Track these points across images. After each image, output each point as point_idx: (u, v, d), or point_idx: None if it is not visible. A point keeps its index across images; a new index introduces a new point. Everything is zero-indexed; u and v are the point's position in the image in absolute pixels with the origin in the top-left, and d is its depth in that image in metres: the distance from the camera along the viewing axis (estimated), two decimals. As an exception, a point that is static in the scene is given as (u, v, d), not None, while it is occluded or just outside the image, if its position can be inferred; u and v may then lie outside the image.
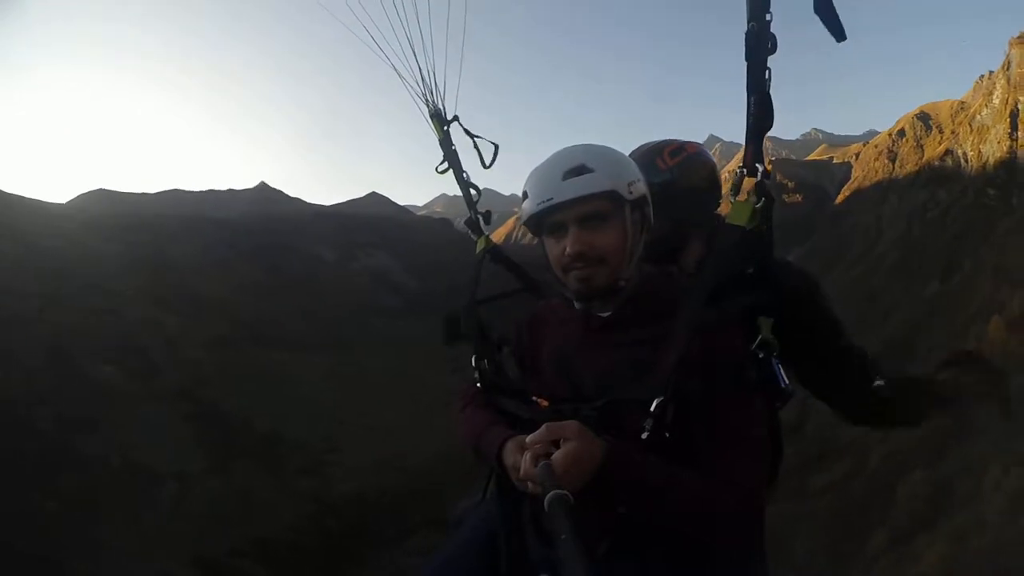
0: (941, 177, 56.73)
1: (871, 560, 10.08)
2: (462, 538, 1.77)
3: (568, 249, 1.54)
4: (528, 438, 1.37)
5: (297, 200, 77.94)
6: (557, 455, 1.30)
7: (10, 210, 36.75)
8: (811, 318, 1.88)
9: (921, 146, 72.06)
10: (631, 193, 1.56)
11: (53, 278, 31.04)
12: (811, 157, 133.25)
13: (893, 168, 74.36)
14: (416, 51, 2.34)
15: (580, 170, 1.53)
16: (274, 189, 79.72)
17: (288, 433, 31.50)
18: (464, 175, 2.37)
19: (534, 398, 1.66)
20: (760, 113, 1.57)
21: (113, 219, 45.08)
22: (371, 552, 23.48)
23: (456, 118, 2.42)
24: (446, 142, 2.41)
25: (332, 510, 27.89)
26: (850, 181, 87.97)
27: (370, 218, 74.82)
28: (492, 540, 1.68)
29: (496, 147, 2.38)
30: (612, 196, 1.53)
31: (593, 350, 1.63)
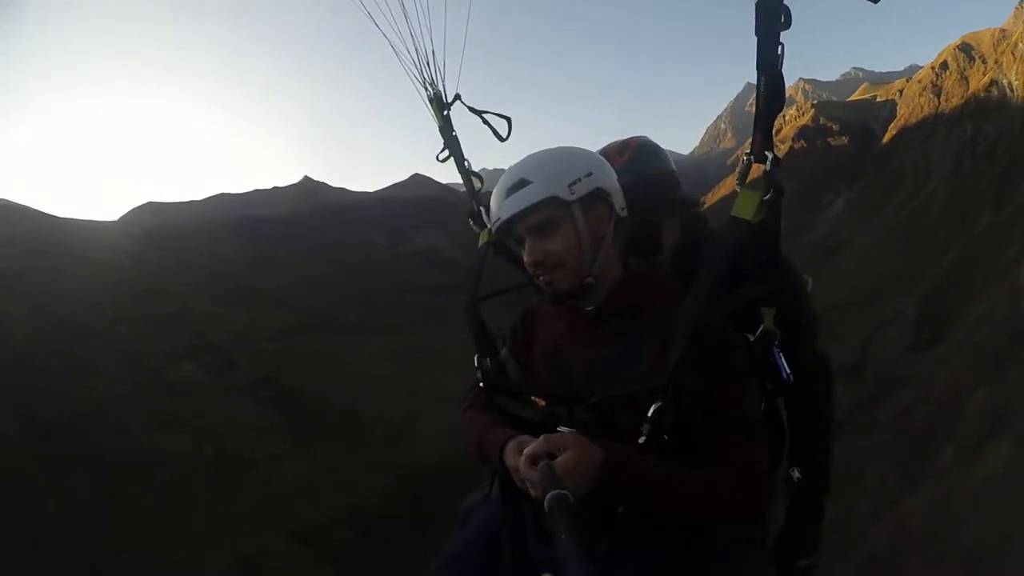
0: (987, 109, 53.84)
1: (941, 473, 10.07)
2: (465, 536, 1.81)
3: (526, 259, 1.67)
4: (526, 450, 1.38)
5: (341, 190, 78.00)
6: (556, 462, 1.30)
7: (67, 234, 37.61)
8: (797, 317, 1.78)
9: (965, 78, 67.84)
10: (573, 193, 1.61)
11: (118, 290, 31.85)
12: (853, 97, 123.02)
13: (939, 103, 69.66)
14: (413, 33, 2.24)
15: (520, 184, 1.62)
16: (317, 182, 79.68)
17: (364, 411, 31.57)
18: (466, 163, 2.38)
19: (532, 398, 1.72)
20: (771, 95, 1.47)
21: (165, 229, 46.00)
22: (453, 506, 23.04)
23: (458, 96, 2.37)
24: (446, 128, 2.39)
25: (416, 476, 27.72)
26: (896, 119, 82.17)
27: (416, 199, 74.76)
28: (495, 539, 1.74)
29: (508, 120, 2.28)
30: (553, 202, 1.60)
31: (581, 345, 1.72)
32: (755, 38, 1.43)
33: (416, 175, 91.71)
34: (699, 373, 1.47)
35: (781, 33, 1.44)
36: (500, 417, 1.79)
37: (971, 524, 7.68)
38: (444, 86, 2.40)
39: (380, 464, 27.91)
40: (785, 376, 1.62)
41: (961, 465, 9.75)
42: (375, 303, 50.23)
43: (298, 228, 57.07)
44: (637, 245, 1.87)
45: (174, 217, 54.83)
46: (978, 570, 6.94)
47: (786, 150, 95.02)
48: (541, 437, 1.40)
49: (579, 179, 1.61)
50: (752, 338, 1.56)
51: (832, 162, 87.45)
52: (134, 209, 68.09)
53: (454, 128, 2.41)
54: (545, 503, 1.17)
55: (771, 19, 1.44)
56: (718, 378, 1.51)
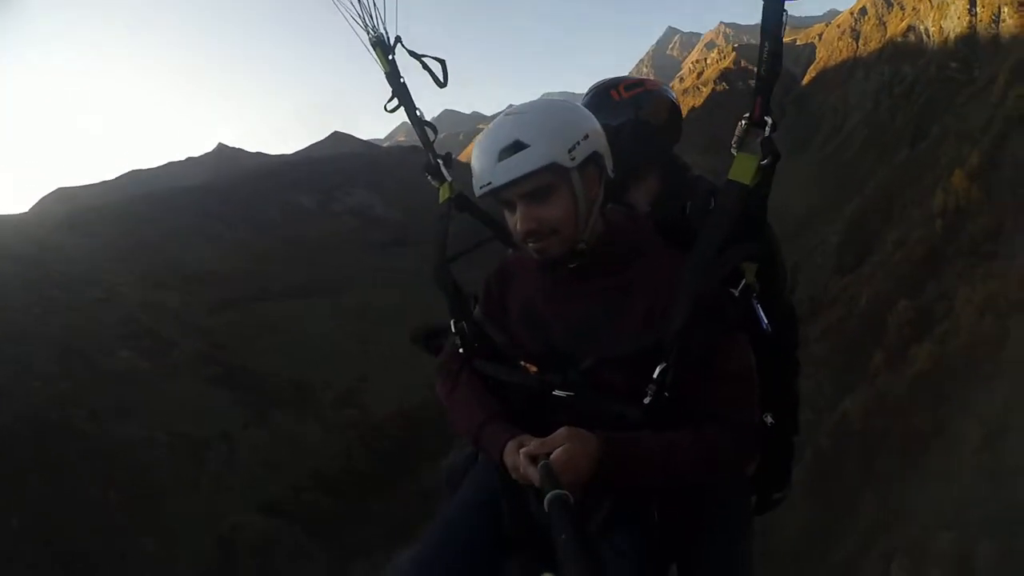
0: (904, 53, 56.57)
1: (872, 376, 10.74)
2: (464, 500, 1.71)
3: (519, 227, 1.48)
4: (522, 450, 1.34)
5: (259, 154, 75.11)
6: (554, 455, 1.27)
7: None
8: (774, 270, 1.81)
9: (884, 23, 70.31)
10: (573, 159, 1.45)
11: (43, 284, 30.17)
12: None
13: (857, 47, 72.72)
14: None
15: (514, 147, 1.43)
16: (233, 148, 76.51)
17: (314, 376, 31.48)
18: (418, 112, 2.11)
19: (522, 363, 1.59)
20: (773, 60, 1.41)
21: (82, 214, 43.57)
22: (422, 463, 23.41)
23: (399, 40, 2.13)
24: (393, 75, 2.13)
25: (374, 434, 28.47)
26: (815, 62, 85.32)
27: (339, 158, 72.85)
28: (494, 502, 1.61)
29: (443, 63, 2.12)
30: (552, 168, 1.43)
31: (562, 302, 1.58)
32: (760, 2, 1.43)
33: (336, 133, 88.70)
34: (698, 332, 1.43)
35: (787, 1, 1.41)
36: (488, 397, 1.69)
37: (903, 416, 8.47)
38: (386, 28, 2.16)
39: (337, 426, 28.61)
40: (764, 326, 1.61)
41: (890, 368, 10.45)
42: (311, 266, 49.45)
43: (220, 197, 54.94)
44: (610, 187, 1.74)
45: (88, 200, 51.63)
46: (914, 457, 7.60)
47: (708, 93, 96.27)
48: (539, 441, 1.36)
49: (578, 143, 1.48)
50: (736, 292, 1.53)
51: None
52: (44, 197, 63.87)
53: (401, 74, 2.17)
54: (545, 504, 1.13)
55: None
56: (716, 336, 1.47)
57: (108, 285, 32.85)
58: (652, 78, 2.22)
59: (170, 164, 73.32)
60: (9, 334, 25.03)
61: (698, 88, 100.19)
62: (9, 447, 19.90)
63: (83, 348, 26.67)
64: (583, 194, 1.49)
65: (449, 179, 2.06)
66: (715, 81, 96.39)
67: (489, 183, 1.47)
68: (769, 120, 1.47)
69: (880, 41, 66.01)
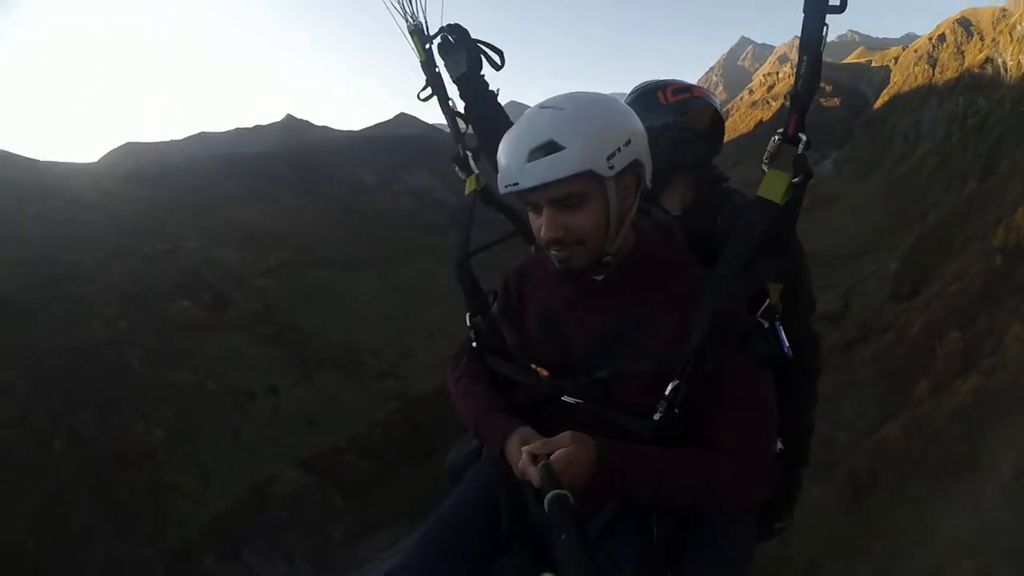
0: (980, 85, 55.36)
1: (915, 404, 10.56)
2: (463, 495, 1.67)
3: (543, 233, 1.41)
4: (525, 448, 1.31)
5: (325, 128, 75.93)
6: (554, 456, 1.25)
7: (52, 177, 36.54)
8: (799, 293, 1.76)
9: (961, 52, 69.84)
10: (612, 168, 1.35)
11: (109, 231, 30.88)
12: (848, 60, 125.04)
13: (933, 74, 71.39)
14: None
15: (548, 147, 1.33)
16: (300, 120, 77.62)
17: (362, 343, 31.53)
18: (450, 103, 2.10)
19: (533, 366, 1.56)
20: (811, 76, 1.36)
21: (150, 168, 44.77)
22: (455, 441, 23.63)
23: (445, 30, 2.08)
24: (429, 64, 2.12)
25: (414, 407, 28.33)
26: (889, 86, 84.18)
27: (404, 139, 73.37)
28: (492, 500, 1.59)
29: (501, 53, 2.06)
30: (587, 176, 1.34)
31: (584, 313, 1.52)
32: (801, 14, 1.33)
33: (402, 114, 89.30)
34: (717, 355, 1.36)
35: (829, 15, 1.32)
36: (495, 389, 1.67)
37: (941, 445, 8.36)
38: (426, 17, 2.09)
39: (380, 395, 28.60)
40: (785, 349, 1.48)
41: (934, 397, 10.22)
42: (368, 240, 49.36)
43: (285, 165, 55.49)
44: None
45: (156, 157, 53.17)
46: (945, 483, 7.51)
47: (777, 107, 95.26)
48: (542, 441, 1.32)
49: (619, 149, 1.36)
50: (760, 313, 1.44)
51: (823, 122, 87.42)
52: (113, 151, 66.20)
53: (438, 64, 2.12)
54: (545, 504, 1.11)
55: (822, 0, 1.32)
56: (736, 363, 1.39)
57: (171, 238, 33.61)
58: (699, 85, 2.19)
59: (238, 130, 74.72)
60: (72, 273, 25.71)
61: (767, 102, 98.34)
62: (62, 377, 20.46)
63: (143, 294, 27.25)
64: (616, 205, 1.40)
65: (476, 171, 2.01)
66: (785, 96, 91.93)
67: (516, 183, 1.37)
68: (803, 137, 1.40)
69: (957, 70, 64.53)
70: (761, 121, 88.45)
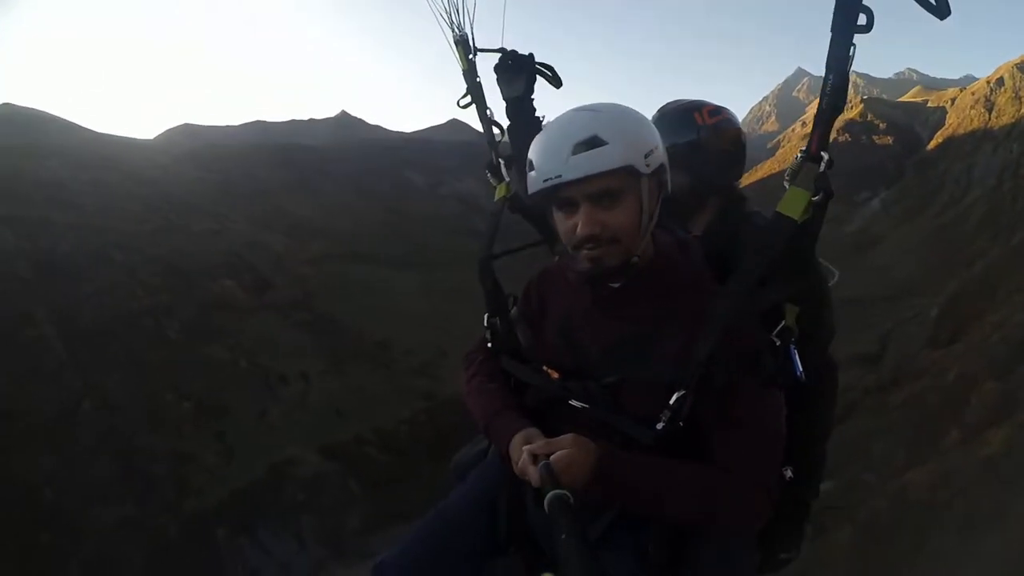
0: None
1: (944, 452, 10.24)
2: (465, 494, 1.70)
3: (579, 230, 1.41)
4: (526, 447, 1.34)
5: (378, 127, 77.23)
6: (554, 457, 1.27)
7: (109, 149, 37.55)
8: (819, 317, 1.72)
9: (1019, 97, 68.53)
10: (648, 165, 1.40)
11: (160, 205, 31.53)
12: (904, 98, 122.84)
13: (989, 118, 70.00)
14: None
15: (592, 142, 1.37)
16: (354, 117, 79.38)
17: (396, 340, 31.45)
18: (488, 112, 2.17)
19: (544, 368, 1.59)
20: (836, 95, 1.37)
21: (204, 150, 45.86)
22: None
23: (507, 54, 2.19)
24: (471, 74, 2.18)
25: (441, 408, 28.04)
26: (943, 127, 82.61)
27: (454, 144, 74.35)
28: (493, 500, 1.62)
29: (552, 69, 2.20)
30: (627, 172, 1.38)
31: (600, 321, 1.54)
32: (829, 33, 1.33)
33: (454, 120, 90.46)
34: (727, 371, 1.33)
35: (857, 35, 1.31)
36: (507, 389, 1.66)
37: (967, 497, 7.85)
38: (472, 29, 2.17)
39: (409, 393, 28.53)
40: (798, 374, 1.42)
41: (964, 447, 9.84)
42: (412, 240, 49.92)
43: (337, 160, 56.05)
44: (671, 208, 1.66)
45: (212, 139, 54.68)
46: (968, 536, 7.12)
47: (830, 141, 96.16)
48: (545, 441, 1.32)
49: (653, 150, 1.39)
50: (774, 334, 1.40)
51: (874, 160, 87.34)
52: (170, 130, 68.55)
53: (479, 74, 2.18)
54: (545, 504, 1.11)
55: (850, 19, 1.30)
56: (745, 382, 1.36)
57: (220, 219, 34.14)
58: (728, 109, 2.21)
59: (293, 121, 76.72)
60: (121, 243, 26.11)
61: None
62: (100, 341, 20.73)
63: (187, 270, 27.50)
64: (647, 205, 1.43)
65: (507, 179, 2.04)
66: (838, 130, 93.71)
67: (558, 176, 1.37)
68: (825, 156, 1.40)
69: (1014, 116, 63.29)
70: None
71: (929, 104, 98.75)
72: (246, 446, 20.35)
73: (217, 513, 17.03)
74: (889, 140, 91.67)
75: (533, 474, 1.26)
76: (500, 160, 2.11)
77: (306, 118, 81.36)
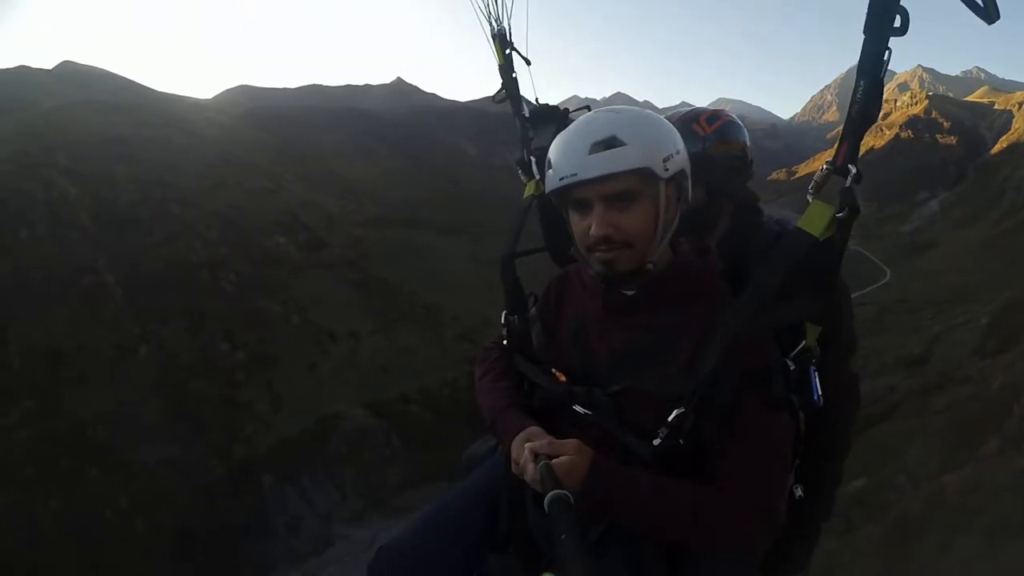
0: None
1: (980, 461, 9.62)
2: (467, 489, 1.68)
3: (592, 231, 1.35)
4: (527, 444, 1.31)
5: (432, 95, 76.97)
6: (556, 461, 1.25)
7: (169, 107, 38.03)
8: (839, 335, 1.58)
9: None
10: (667, 169, 1.34)
11: (218, 163, 31.80)
12: (971, 98, 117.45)
13: None
14: None
15: (609, 143, 1.32)
16: (410, 84, 79.30)
17: (444, 306, 31.48)
18: (523, 110, 2.14)
19: (553, 370, 1.55)
20: (868, 102, 1.28)
21: (261, 111, 46.29)
22: None
23: (541, 106, 2.19)
24: (507, 69, 2.13)
25: None
26: (1009, 132, 79.77)
27: (509, 116, 73.49)
28: (495, 498, 1.59)
29: (565, 112, 2.11)
30: (644, 173, 1.33)
31: (611, 328, 1.49)
32: (862, 35, 1.23)
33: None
34: (732, 389, 1.28)
35: (891, 38, 1.23)
36: (517, 388, 1.62)
37: (999, 504, 7.16)
38: (509, 23, 2.05)
39: (455, 357, 28.28)
40: (816, 398, 1.37)
41: (1001, 456, 9.17)
42: (464, 209, 50.06)
43: (392, 126, 55.79)
44: (689, 221, 1.52)
45: (269, 101, 55.15)
46: (996, 543, 6.59)
47: (891, 136, 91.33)
48: (548, 441, 1.29)
49: (672, 155, 1.33)
50: (791, 364, 1.35)
51: (935, 160, 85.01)
52: (228, 90, 69.61)
53: (515, 69, 2.08)
54: (545, 503, 1.09)
55: (884, 20, 1.21)
56: (751, 401, 1.30)
57: (276, 178, 34.37)
58: (721, 109, 2.09)
59: (349, 86, 77.08)
60: (180, 198, 26.41)
61: (881, 129, 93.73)
62: (157, 289, 21.03)
63: (244, 226, 27.72)
64: (664, 211, 1.37)
65: (537, 177, 1.95)
66: (901, 126, 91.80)
67: (574, 175, 1.34)
68: (853, 169, 1.30)
69: None
70: (872, 148, 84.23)
71: (996, 107, 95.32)
72: (295, 398, 20.53)
73: (264, 461, 17.20)
74: (953, 140, 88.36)
75: (531, 471, 1.23)
76: (532, 158, 2.02)
77: (362, 83, 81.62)
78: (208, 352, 20.22)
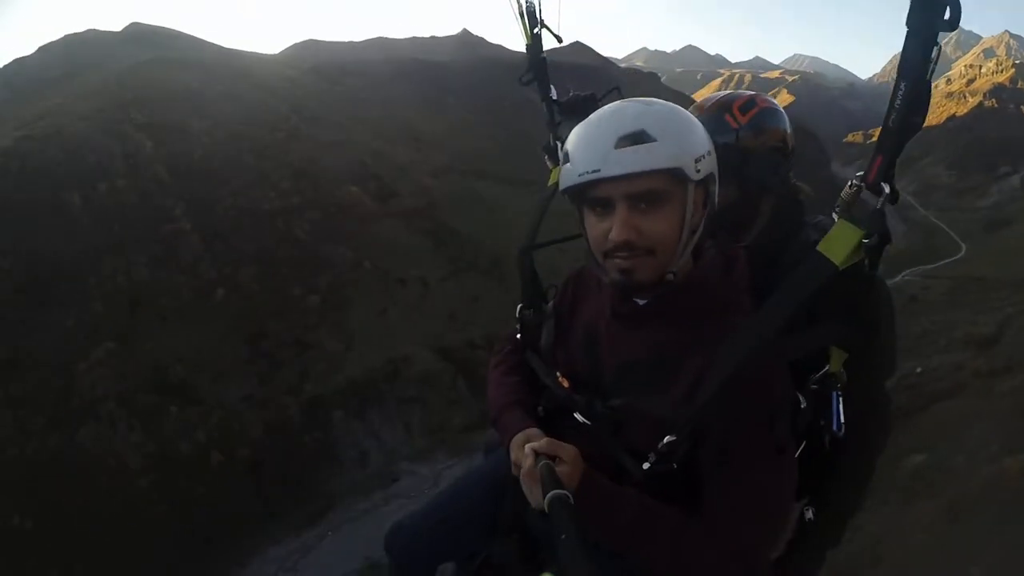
0: None
1: None
2: (480, 474, 1.70)
3: (613, 235, 1.23)
4: (528, 445, 1.26)
5: (498, 47, 75.25)
6: (560, 468, 1.21)
7: (239, 60, 38.73)
8: (872, 352, 1.40)
9: None
10: (698, 171, 1.21)
11: (290, 115, 31.95)
12: None
13: None
14: None
15: (638, 137, 1.19)
16: (476, 36, 77.83)
17: (511, 256, 31.10)
18: (552, 93, 1.99)
19: (557, 374, 1.49)
20: (911, 107, 1.08)
21: (329, 65, 46.58)
22: None
23: (574, 96, 1.98)
24: (534, 49, 1.97)
25: None
26: None
27: (577, 67, 71.47)
28: (504, 486, 1.54)
29: (593, 96, 1.98)
30: (674, 175, 1.20)
31: (620, 337, 1.39)
32: (904, 28, 1.06)
33: (577, 43, 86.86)
34: (725, 428, 1.18)
35: (940, 33, 1.04)
36: (525, 385, 1.54)
37: None
38: (540, 1, 1.89)
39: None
40: (836, 428, 1.28)
41: None
42: (532, 160, 49.48)
43: (459, 77, 54.98)
44: (723, 220, 1.44)
45: (336, 54, 55.21)
46: None
47: (974, 104, 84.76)
48: (547, 440, 1.23)
49: (704, 156, 1.21)
50: (805, 398, 1.26)
51: (1020, 133, 78.15)
52: (295, 45, 70.10)
53: (543, 50, 1.93)
54: (545, 503, 1.07)
55: (933, 12, 1.03)
56: (750, 441, 1.19)
57: (346, 129, 34.35)
58: (758, 93, 1.89)
59: (414, 38, 76.49)
60: (253, 148, 26.83)
61: (964, 96, 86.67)
62: (234, 237, 21.63)
63: (316, 175, 27.94)
64: (691, 216, 1.25)
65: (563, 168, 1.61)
66: (985, 94, 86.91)
67: (597, 170, 1.20)
68: (887, 188, 1.13)
69: None
70: (954, 115, 78.28)
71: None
72: (365, 340, 20.78)
73: (335, 398, 17.61)
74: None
75: (530, 471, 1.18)
76: (559, 142, 1.88)
77: (427, 36, 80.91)
78: (282, 296, 20.68)
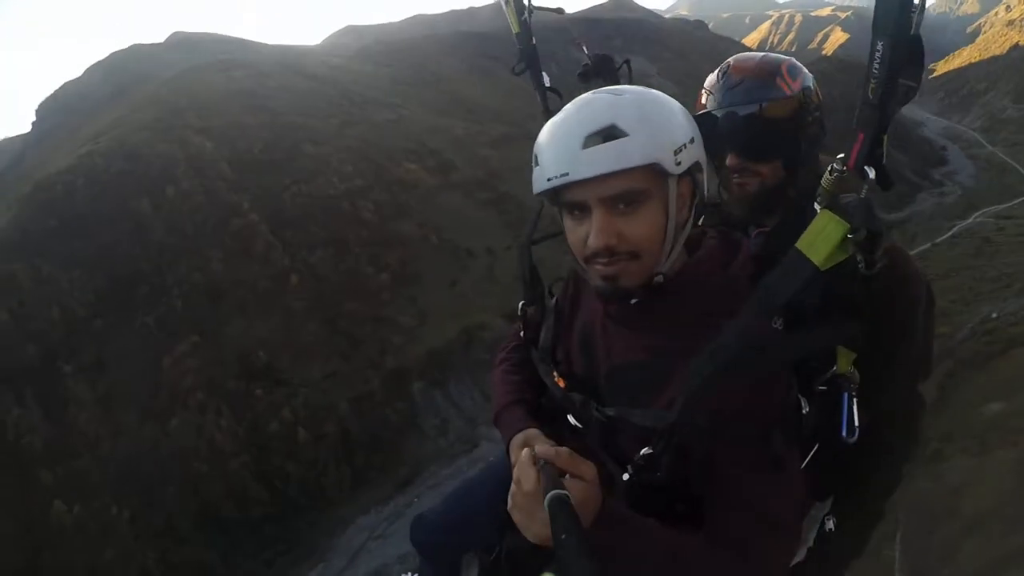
0: None
1: None
2: (496, 468, 1.60)
3: (591, 241, 1.09)
4: (538, 448, 1.08)
5: (539, 9, 74.16)
6: (568, 481, 1.06)
7: (285, 55, 39.23)
8: (895, 351, 1.30)
9: None
10: (678, 163, 1.07)
11: (341, 101, 32.16)
12: None
13: None
14: None
15: (608, 133, 1.05)
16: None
17: None
18: (545, 81, 1.76)
19: (554, 373, 1.37)
20: (890, 74, 0.91)
21: (372, 47, 46.82)
22: None
23: (598, 58, 1.71)
24: (524, 36, 1.77)
25: None
26: None
27: (621, 22, 69.10)
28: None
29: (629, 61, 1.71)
30: (652, 171, 1.06)
31: (615, 338, 1.26)
32: None
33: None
34: (714, 439, 1.04)
35: None
36: (527, 383, 1.42)
37: None
38: None
39: None
40: (846, 433, 1.15)
41: None
42: None
43: (503, 45, 53.39)
44: (760, 203, 1.37)
45: (376, 37, 55.42)
46: None
47: None
48: (562, 450, 1.06)
49: (685, 145, 1.07)
50: (808, 403, 1.14)
51: None
52: (335, 33, 71.02)
53: (534, 37, 1.73)
54: (545, 503, 0.96)
55: None
56: (740, 457, 1.05)
57: (397, 108, 34.31)
58: (789, 58, 1.54)
59: (453, 11, 76.09)
60: (311, 136, 27.02)
61: None
62: (301, 222, 21.69)
63: (375, 156, 27.99)
64: (678, 210, 1.13)
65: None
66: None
67: (565, 174, 1.06)
68: (871, 172, 0.99)
69: None
70: (1017, 44, 70.62)
71: None
72: (439, 311, 20.83)
73: (414, 369, 17.78)
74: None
75: (529, 472, 1.03)
76: None
77: (465, 7, 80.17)
78: (354, 275, 20.93)
